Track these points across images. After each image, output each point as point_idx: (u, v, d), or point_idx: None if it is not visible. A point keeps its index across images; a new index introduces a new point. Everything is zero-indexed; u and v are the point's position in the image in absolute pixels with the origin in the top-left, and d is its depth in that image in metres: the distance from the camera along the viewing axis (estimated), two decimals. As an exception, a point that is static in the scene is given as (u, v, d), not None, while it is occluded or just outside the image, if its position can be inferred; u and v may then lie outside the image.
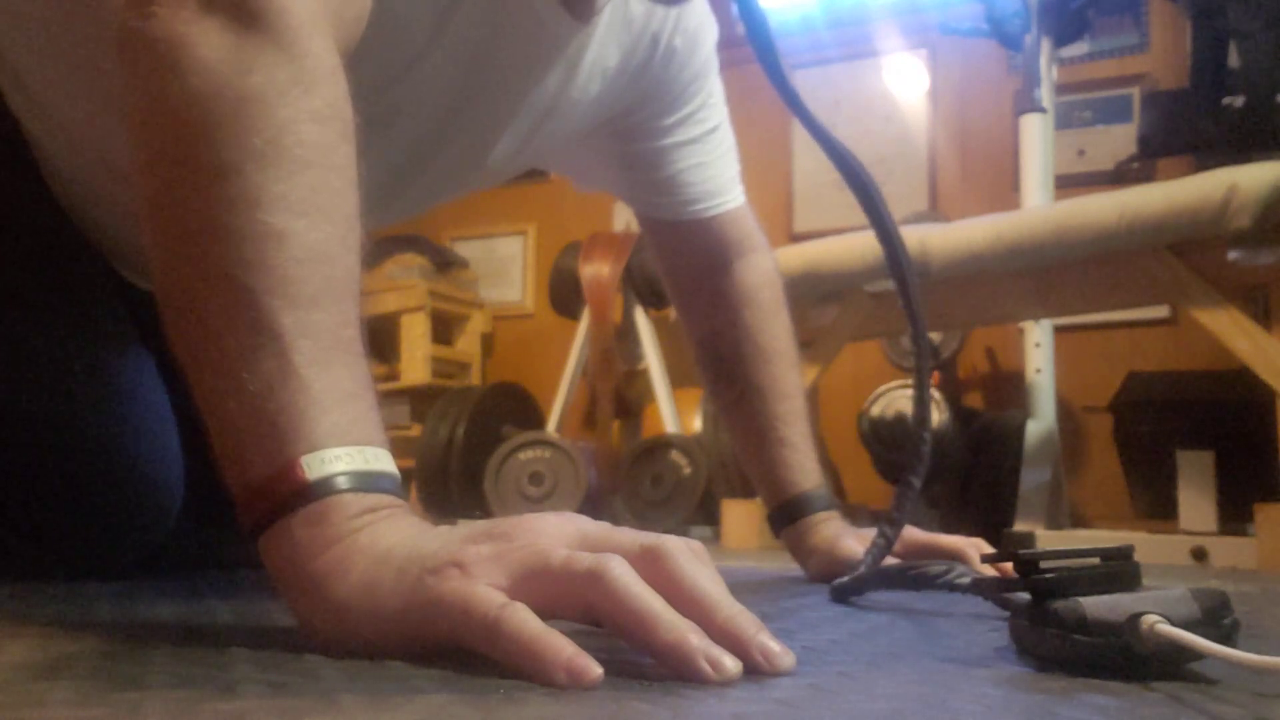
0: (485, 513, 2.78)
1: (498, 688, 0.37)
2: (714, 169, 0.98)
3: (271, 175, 0.48)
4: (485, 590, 0.41)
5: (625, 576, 0.41)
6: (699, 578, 0.43)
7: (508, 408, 3.19)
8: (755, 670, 0.41)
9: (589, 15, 0.79)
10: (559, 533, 0.44)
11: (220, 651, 0.45)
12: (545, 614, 0.40)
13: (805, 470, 0.95)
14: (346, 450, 0.46)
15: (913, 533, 0.92)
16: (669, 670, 0.39)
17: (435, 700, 0.35)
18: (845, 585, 0.71)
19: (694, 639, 0.39)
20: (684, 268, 1.01)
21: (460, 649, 0.41)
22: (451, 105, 0.78)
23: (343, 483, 0.45)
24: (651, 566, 0.42)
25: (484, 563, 0.42)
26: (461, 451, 2.93)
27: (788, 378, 0.99)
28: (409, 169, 0.84)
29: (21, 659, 0.43)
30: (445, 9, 0.71)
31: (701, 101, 0.96)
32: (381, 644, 0.43)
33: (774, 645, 0.41)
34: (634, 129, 0.94)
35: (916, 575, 0.66)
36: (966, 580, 0.64)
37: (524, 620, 0.39)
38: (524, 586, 0.41)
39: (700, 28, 0.93)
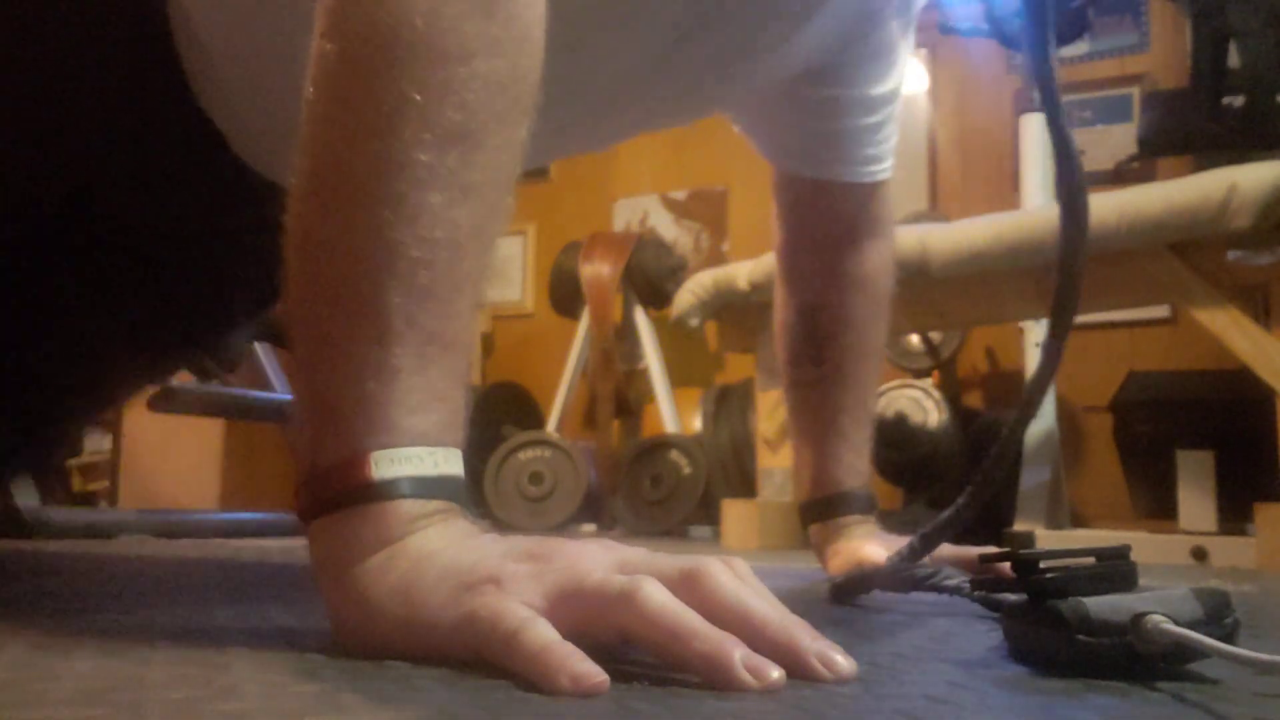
0: (485, 512, 2.78)
1: (499, 687, 0.37)
2: (884, 132, 0.91)
3: (421, 140, 0.45)
4: (514, 606, 0.41)
5: (657, 595, 0.40)
6: (743, 594, 0.41)
7: (508, 408, 3.19)
8: (815, 679, 0.39)
9: None
10: (599, 558, 0.44)
11: (220, 651, 0.45)
12: (579, 635, 0.39)
13: (854, 469, 0.93)
14: (419, 451, 0.45)
15: (944, 546, 0.90)
16: (708, 683, 0.38)
17: (436, 700, 0.35)
18: (841, 585, 0.71)
19: (731, 647, 0.38)
20: (808, 230, 0.94)
21: (485, 663, 0.41)
22: (687, 25, 0.72)
23: (405, 487, 0.44)
24: (691, 588, 0.41)
25: (520, 581, 0.42)
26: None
27: (872, 377, 0.95)
28: (624, 93, 0.77)
29: (21, 659, 0.42)
30: None
31: (899, 57, 0.90)
32: (409, 650, 0.43)
33: (834, 653, 0.40)
34: (829, 72, 0.86)
35: (906, 578, 0.66)
36: (954, 582, 0.64)
37: (540, 633, 0.39)
38: (558, 607, 0.41)
39: None
